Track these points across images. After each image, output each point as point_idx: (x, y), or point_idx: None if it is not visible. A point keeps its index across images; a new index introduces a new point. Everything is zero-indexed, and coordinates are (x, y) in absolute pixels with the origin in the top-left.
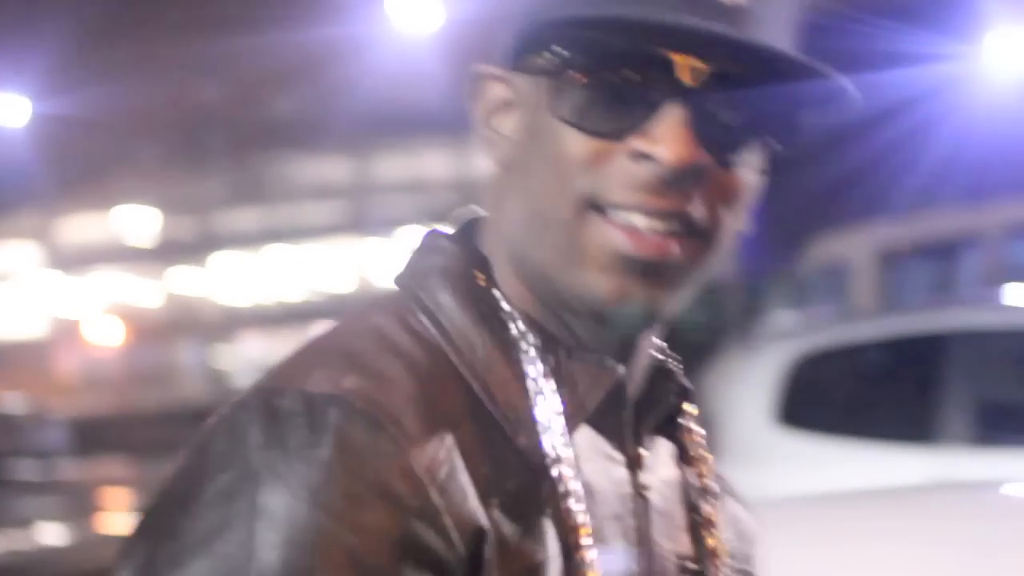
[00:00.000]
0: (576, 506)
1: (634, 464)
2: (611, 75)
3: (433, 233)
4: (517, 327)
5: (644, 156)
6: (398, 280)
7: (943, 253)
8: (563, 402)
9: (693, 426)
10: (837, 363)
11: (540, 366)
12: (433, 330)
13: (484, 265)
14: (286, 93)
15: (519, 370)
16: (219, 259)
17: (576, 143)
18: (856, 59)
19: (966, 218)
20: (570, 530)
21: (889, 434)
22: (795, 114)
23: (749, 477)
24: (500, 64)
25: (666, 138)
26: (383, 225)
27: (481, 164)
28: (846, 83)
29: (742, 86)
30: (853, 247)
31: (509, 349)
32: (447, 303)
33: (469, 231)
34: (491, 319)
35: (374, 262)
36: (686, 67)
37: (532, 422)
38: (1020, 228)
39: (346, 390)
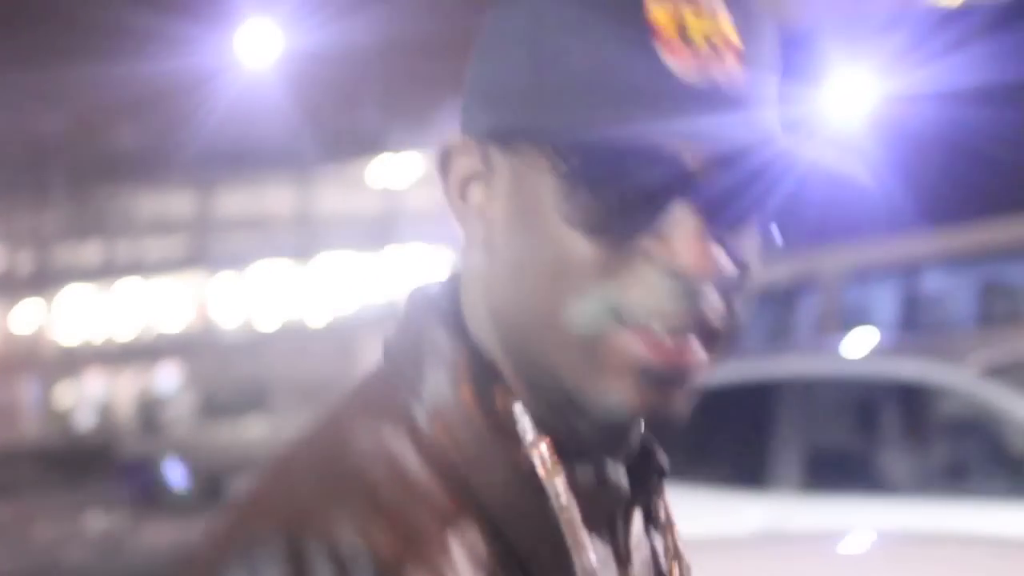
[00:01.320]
0: None
1: (624, 561)
2: (619, 175)
3: (424, 311)
4: (541, 454)
5: (663, 266)
6: (391, 365)
7: (779, 297)
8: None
9: (665, 495)
10: None
11: (563, 490)
12: (448, 452)
13: (494, 369)
14: (129, 125)
15: (543, 501)
16: (60, 294)
17: (586, 248)
18: None
19: (806, 263)
20: None
21: (724, 479)
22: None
23: None
24: (474, 136)
25: (685, 249)
26: (227, 260)
27: (328, 199)
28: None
29: (746, 166)
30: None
31: (526, 469)
32: (461, 420)
33: (456, 311)
34: (506, 434)
35: (218, 298)
36: (695, 160)
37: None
38: (855, 273)
39: (377, 548)
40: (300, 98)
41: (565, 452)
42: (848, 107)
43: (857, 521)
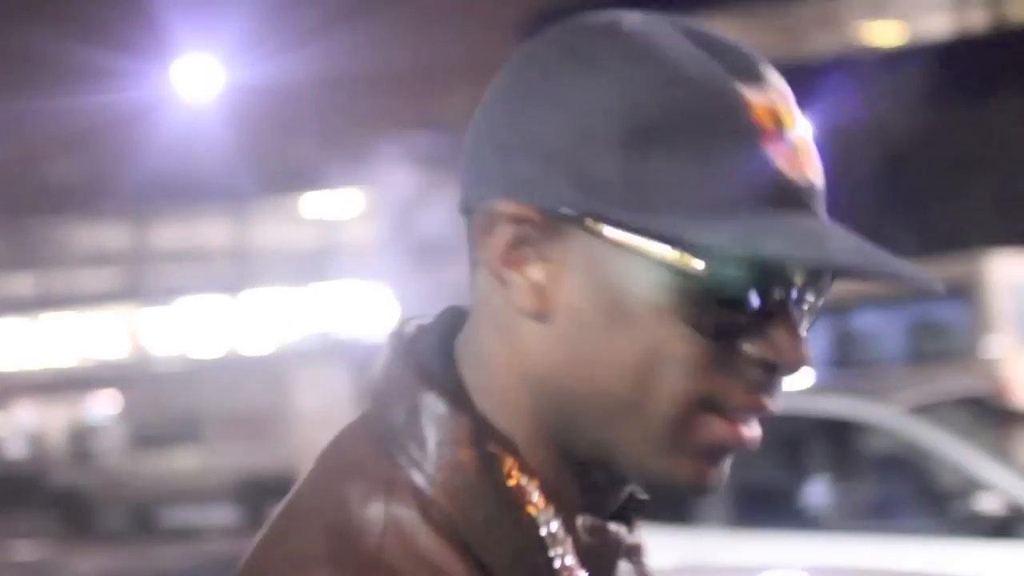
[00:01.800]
0: None
1: None
2: (748, 284)
3: (415, 371)
4: (549, 528)
5: (765, 364)
6: (381, 426)
7: None
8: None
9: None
10: None
11: (572, 562)
12: (457, 522)
13: (500, 436)
14: (66, 158)
15: (545, 559)
16: None
17: (693, 345)
18: None
19: None
20: None
21: (649, 514)
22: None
23: None
24: (545, 207)
25: (788, 348)
26: (161, 292)
27: (264, 233)
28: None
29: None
30: None
31: (536, 544)
32: (466, 490)
33: (453, 373)
34: (514, 506)
35: (152, 330)
36: (803, 271)
37: None
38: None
39: None
40: (237, 132)
41: (568, 510)
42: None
43: (783, 557)
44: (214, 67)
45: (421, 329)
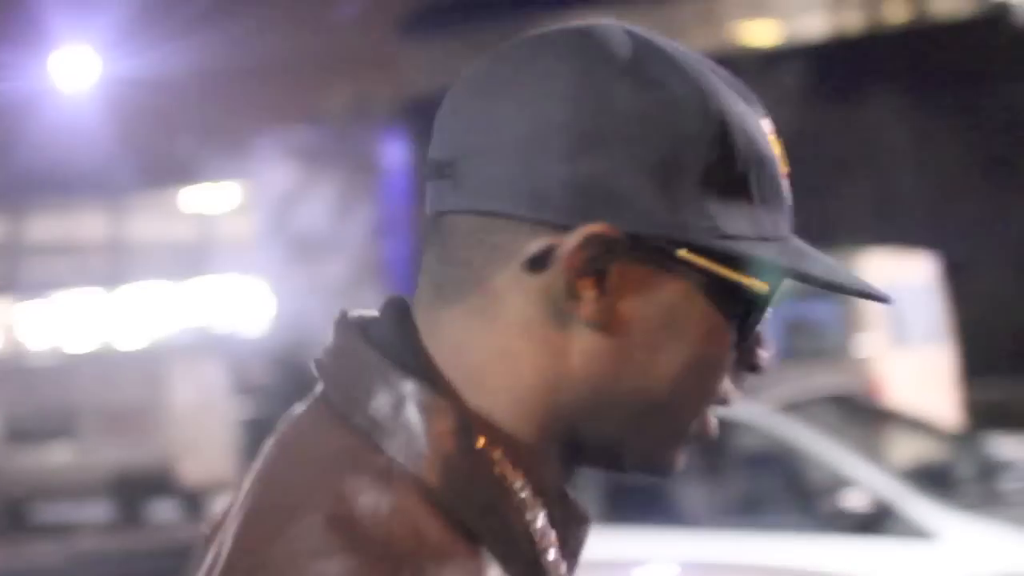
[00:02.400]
0: None
1: None
2: (770, 295)
3: (386, 361)
4: (536, 522)
5: (750, 364)
6: (358, 417)
7: None
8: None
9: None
10: None
11: (550, 534)
12: (455, 508)
13: (481, 425)
14: None
15: (533, 551)
16: None
17: (726, 351)
18: None
19: None
20: None
21: None
22: None
23: None
24: (617, 225)
25: (769, 351)
26: (36, 286)
27: (141, 226)
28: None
29: None
30: None
31: (521, 527)
32: (460, 480)
33: (419, 355)
34: (507, 497)
35: (26, 323)
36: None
37: None
38: None
39: None
40: (115, 124)
41: (549, 506)
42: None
43: (655, 553)
44: (92, 59)
45: (371, 320)
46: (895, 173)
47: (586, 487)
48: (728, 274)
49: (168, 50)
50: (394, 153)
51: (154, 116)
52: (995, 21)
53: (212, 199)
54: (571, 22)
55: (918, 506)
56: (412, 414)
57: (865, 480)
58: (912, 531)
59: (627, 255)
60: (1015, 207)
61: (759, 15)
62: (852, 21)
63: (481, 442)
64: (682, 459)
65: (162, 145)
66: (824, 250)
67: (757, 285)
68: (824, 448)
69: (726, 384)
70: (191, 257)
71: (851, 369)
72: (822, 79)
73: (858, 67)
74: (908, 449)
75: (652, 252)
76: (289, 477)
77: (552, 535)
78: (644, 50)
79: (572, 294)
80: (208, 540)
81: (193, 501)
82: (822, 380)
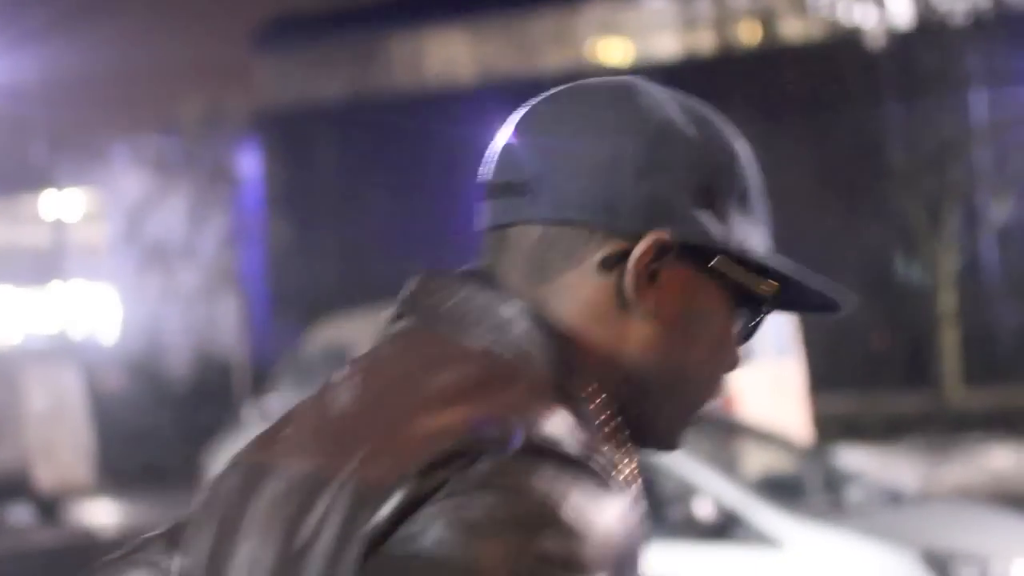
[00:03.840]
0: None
1: None
2: (768, 308)
3: (538, 327)
4: (619, 439)
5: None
6: (513, 365)
7: None
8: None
9: None
10: None
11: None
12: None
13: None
14: None
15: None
16: None
17: (734, 342)
18: (374, 151)
19: None
20: None
21: None
22: None
23: None
24: (673, 234)
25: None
26: None
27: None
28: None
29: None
30: (354, 329)
31: (631, 462)
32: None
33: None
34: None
35: None
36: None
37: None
38: None
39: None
40: None
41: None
42: None
43: None
44: None
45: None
46: None
47: None
48: (748, 280)
49: (20, 56)
50: (248, 163)
51: (5, 122)
52: (846, 45)
53: (64, 206)
54: (611, 77)
55: (766, 515)
56: (523, 329)
57: (714, 490)
58: (760, 539)
59: (676, 260)
60: (862, 228)
61: (612, 34)
62: (704, 42)
63: (574, 370)
64: (687, 438)
65: (15, 151)
66: None
67: (768, 289)
68: (675, 459)
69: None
70: (45, 263)
71: None
72: None
73: (709, 88)
74: (758, 460)
75: (695, 259)
76: (414, 395)
77: (625, 462)
78: (678, 98)
79: (638, 289)
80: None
81: (48, 506)
82: None
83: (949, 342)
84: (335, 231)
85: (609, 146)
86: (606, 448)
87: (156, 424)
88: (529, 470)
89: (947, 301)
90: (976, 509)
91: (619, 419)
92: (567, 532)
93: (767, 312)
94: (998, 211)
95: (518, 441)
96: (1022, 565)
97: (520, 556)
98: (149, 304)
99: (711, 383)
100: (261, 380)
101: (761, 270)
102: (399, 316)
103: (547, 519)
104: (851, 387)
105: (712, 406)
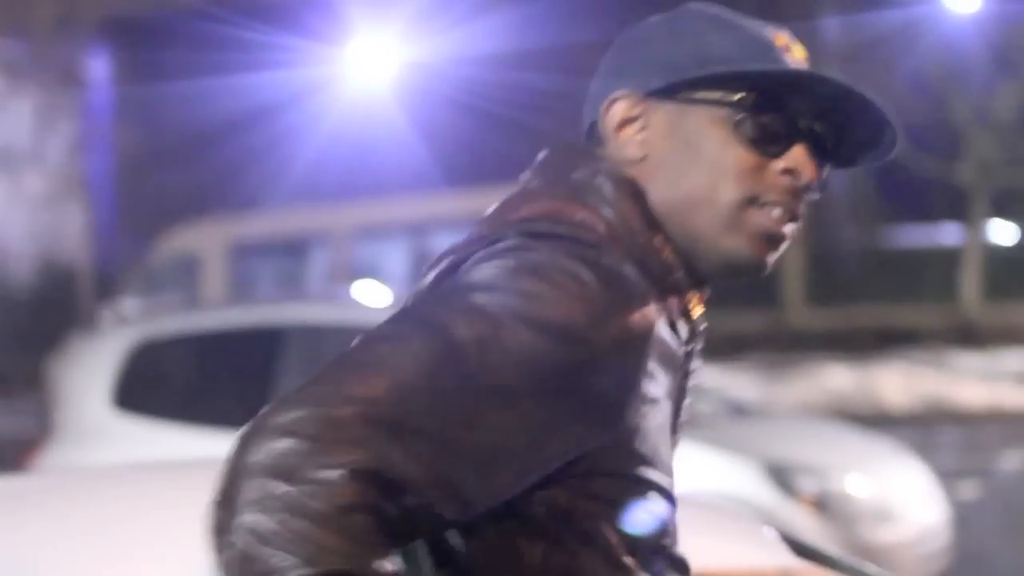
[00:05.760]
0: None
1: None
2: (772, 115)
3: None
4: (677, 275)
5: (790, 173)
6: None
7: (294, 249)
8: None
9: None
10: (177, 351)
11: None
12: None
13: (648, 215)
14: None
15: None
16: None
17: (741, 156)
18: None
19: (317, 217)
20: (681, 395)
21: (224, 422)
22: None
23: (86, 460)
24: (638, 92)
25: (803, 164)
26: None
27: None
28: (888, 118)
29: (835, 133)
30: (205, 238)
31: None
32: (629, 229)
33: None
34: (649, 247)
35: None
36: (811, 119)
37: (687, 321)
38: (368, 228)
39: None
40: None
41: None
42: (371, 70)
43: None
44: None
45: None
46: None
47: (186, 388)
48: (720, 97)
49: None
50: (97, 68)
51: None
52: None
53: None
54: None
55: None
56: (604, 181)
57: None
58: None
59: (646, 110)
60: None
61: None
62: None
63: (645, 209)
64: (762, 251)
65: None
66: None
67: (746, 98)
68: None
69: (763, 187)
70: None
71: None
72: None
73: None
74: None
75: (662, 104)
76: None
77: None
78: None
79: (618, 140)
80: None
81: None
82: None
83: (793, 264)
84: (185, 139)
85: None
86: (647, 283)
87: None
88: (536, 247)
89: None
90: (815, 424)
91: (672, 257)
92: (549, 296)
93: (761, 113)
94: None
95: (541, 228)
96: (856, 477)
97: (506, 305)
98: None
99: (729, 201)
100: (106, 288)
101: (732, 80)
102: (530, 170)
103: (540, 280)
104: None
105: (764, 223)
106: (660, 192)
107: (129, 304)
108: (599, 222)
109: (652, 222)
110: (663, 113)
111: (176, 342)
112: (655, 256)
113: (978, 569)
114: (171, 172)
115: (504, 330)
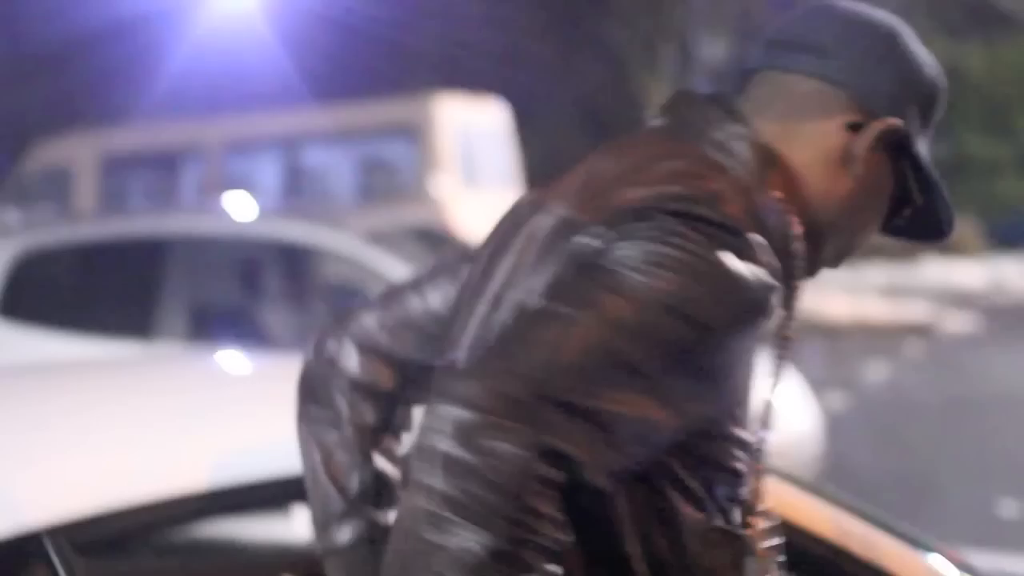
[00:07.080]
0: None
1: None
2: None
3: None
4: (796, 245)
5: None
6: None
7: (165, 162)
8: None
9: None
10: (62, 261)
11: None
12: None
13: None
14: None
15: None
16: None
17: (883, 215)
18: None
19: (188, 131)
20: (783, 348)
21: (109, 330)
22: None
23: None
24: (858, 103)
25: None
26: None
27: None
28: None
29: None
30: (76, 152)
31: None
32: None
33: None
34: (777, 212)
35: None
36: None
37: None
38: (238, 142)
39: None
40: None
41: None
42: None
43: None
44: None
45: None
46: (466, 22)
47: (171, 309)
48: (913, 185)
49: None
50: None
51: None
52: None
53: None
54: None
55: None
56: (739, 145)
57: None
58: None
59: (888, 143)
60: (579, 61)
61: None
62: None
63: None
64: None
65: None
66: (396, 94)
67: (918, 198)
68: (406, 276)
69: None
70: None
71: (425, 207)
72: None
73: None
74: None
75: (897, 150)
76: (643, 160)
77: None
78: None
79: (862, 152)
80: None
81: None
82: (403, 215)
83: None
84: (51, 50)
85: (890, 49)
86: (773, 254)
87: None
88: (681, 230)
89: None
90: None
91: (798, 238)
92: (700, 276)
93: (906, 213)
94: (711, 52)
95: (685, 209)
96: None
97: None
98: None
99: (860, 239)
100: None
101: (921, 181)
102: (660, 116)
103: (683, 264)
104: None
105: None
106: (818, 203)
107: (11, 216)
108: (739, 195)
109: (800, 208)
110: (885, 155)
111: (61, 252)
112: (789, 243)
113: (845, 477)
114: (38, 84)
115: (650, 313)
